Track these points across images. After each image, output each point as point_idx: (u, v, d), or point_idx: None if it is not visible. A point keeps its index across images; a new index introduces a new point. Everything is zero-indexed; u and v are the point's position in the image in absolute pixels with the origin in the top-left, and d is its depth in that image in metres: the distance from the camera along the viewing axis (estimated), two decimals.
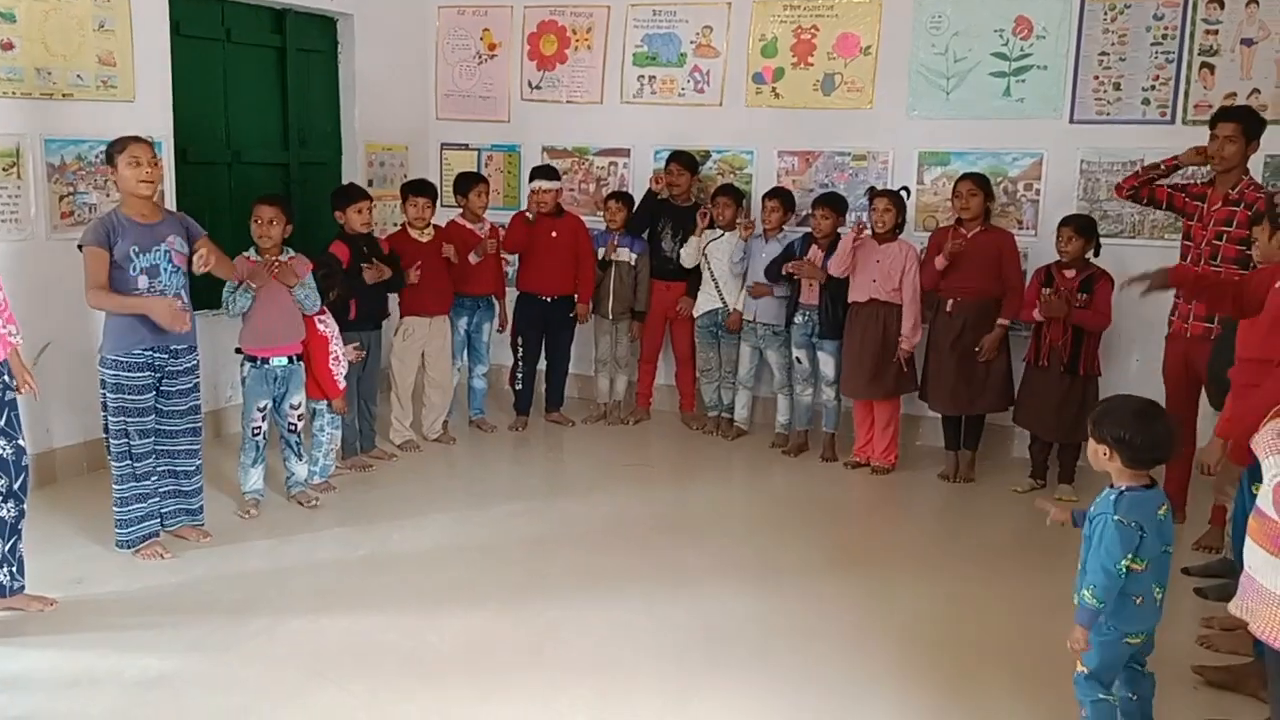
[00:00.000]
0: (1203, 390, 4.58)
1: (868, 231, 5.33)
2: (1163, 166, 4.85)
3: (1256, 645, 3.18)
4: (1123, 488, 2.67)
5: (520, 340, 6.16)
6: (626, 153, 6.61)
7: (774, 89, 6.20)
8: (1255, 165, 4.94)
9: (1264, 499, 2.06)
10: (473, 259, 5.73)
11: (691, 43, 6.37)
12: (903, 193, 5.47)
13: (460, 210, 5.96)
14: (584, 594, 3.97)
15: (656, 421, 6.43)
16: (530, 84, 6.82)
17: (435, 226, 5.68)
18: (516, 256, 6.15)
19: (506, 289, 6.18)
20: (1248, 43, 5.23)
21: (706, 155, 6.38)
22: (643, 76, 6.51)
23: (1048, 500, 2.93)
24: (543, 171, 6.13)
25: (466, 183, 5.96)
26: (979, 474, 5.47)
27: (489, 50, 6.90)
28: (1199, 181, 4.93)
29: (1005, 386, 5.34)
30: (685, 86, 6.42)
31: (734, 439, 6.09)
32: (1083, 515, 2.86)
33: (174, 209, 4.63)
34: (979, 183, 5.26)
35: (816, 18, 6.06)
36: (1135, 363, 5.40)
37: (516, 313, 6.16)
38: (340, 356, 4.86)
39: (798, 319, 5.68)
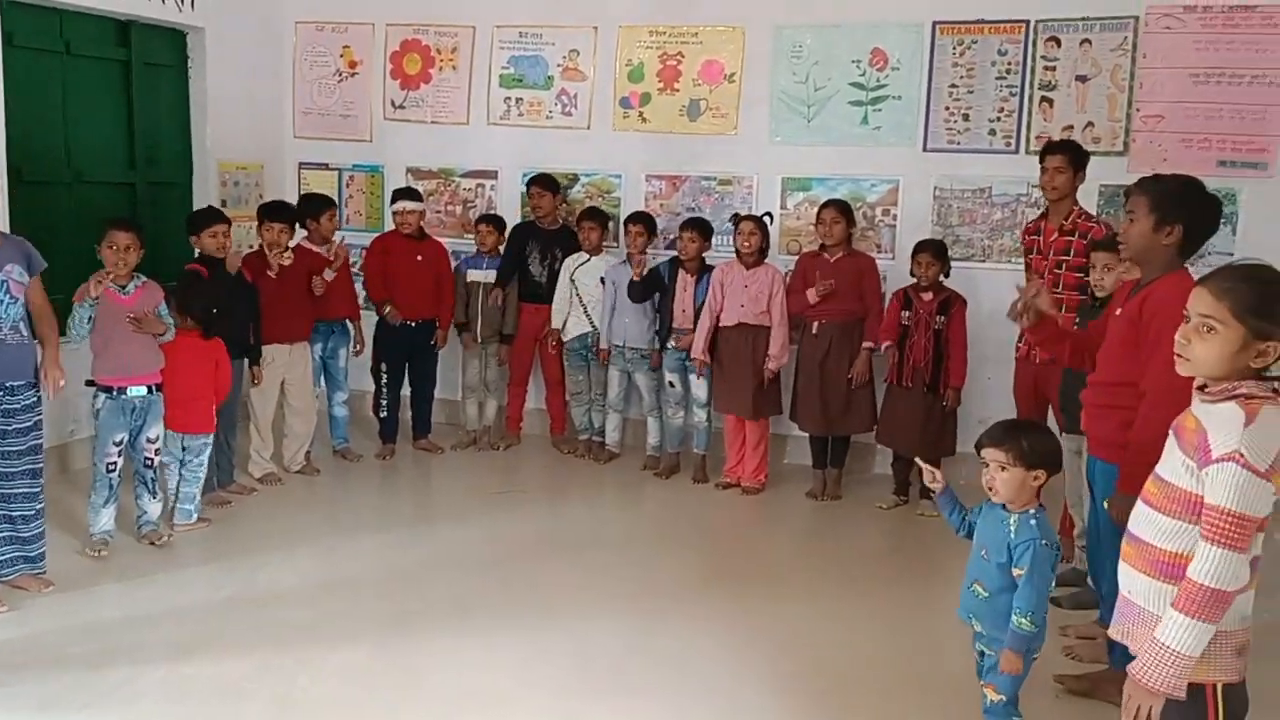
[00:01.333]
0: (1050, 412, 4.82)
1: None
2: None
3: (1112, 654, 3.37)
4: (1033, 510, 2.77)
5: (384, 366, 6.02)
6: (494, 175, 6.54)
7: (641, 113, 6.25)
8: (1090, 194, 5.25)
9: (1135, 524, 2.16)
10: (328, 275, 5.53)
11: (558, 66, 6.37)
12: (766, 218, 5.59)
13: (307, 234, 5.73)
14: (460, 625, 3.88)
15: (527, 446, 6.37)
16: (393, 103, 6.68)
17: (292, 249, 5.48)
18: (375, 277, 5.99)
19: (361, 311, 6.00)
20: (1082, 79, 5.56)
21: (575, 179, 6.38)
22: (509, 98, 6.47)
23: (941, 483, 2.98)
24: (405, 193, 6.03)
25: (314, 205, 5.76)
26: (844, 491, 5.61)
27: (349, 68, 6.72)
28: (1030, 220, 5.19)
29: (870, 406, 5.51)
30: (553, 109, 6.40)
31: (606, 462, 6.09)
32: (952, 506, 2.94)
33: (8, 232, 4.32)
34: (842, 210, 5.42)
35: (682, 44, 6.14)
36: (987, 380, 5.64)
37: (379, 338, 6.01)
38: None
39: (671, 343, 5.73)
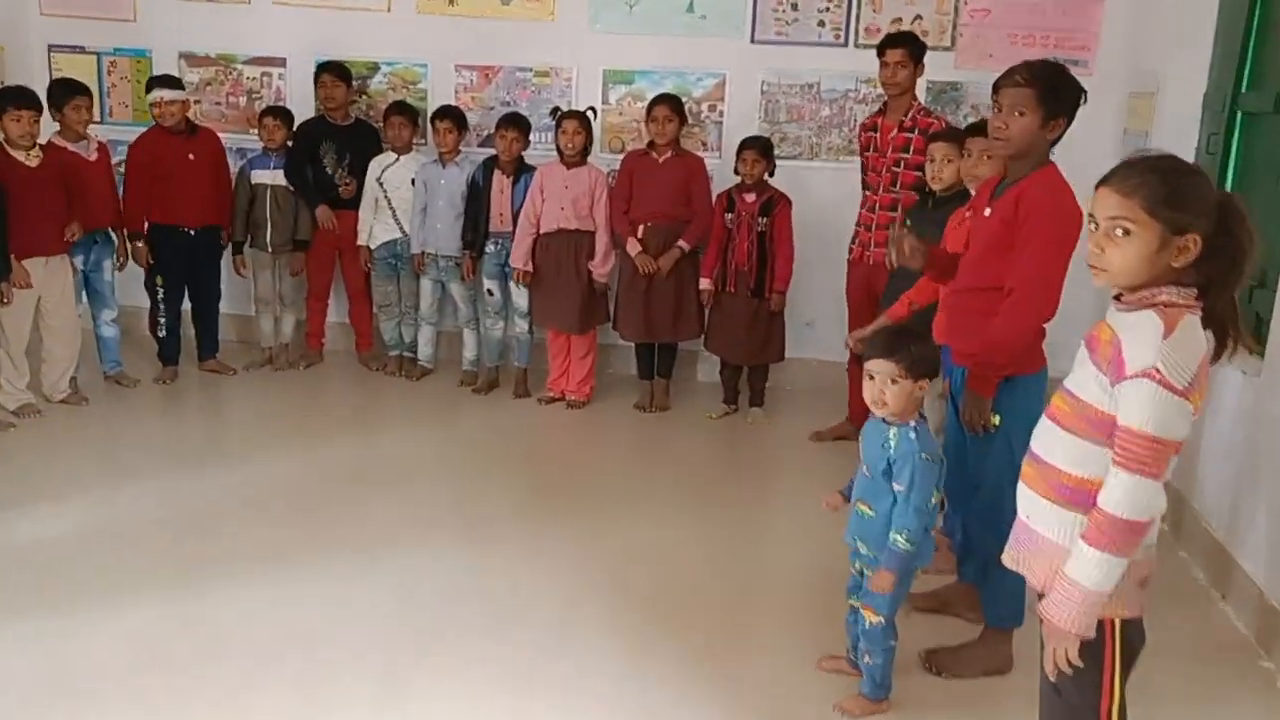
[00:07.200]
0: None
1: None
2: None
3: (961, 568, 3.28)
4: (913, 424, 2.59)
5: (159, 279, 5.34)
6: (282, 62, 5.83)
7: None
8: (918, 90, 5.11)
9: (1040, 443, 1.98)
10: (68, 236, 4.80)
11: None
12: (589, 113, 5.21)
13: (59, 129, 4.97)
14: (265, 572, 3.45)
15: (330, 364, 5.85)
16: None
17: (45, 145, 4.73)
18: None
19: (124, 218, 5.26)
20: None
21: (375, 68, 5.76)
22: None
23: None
24: (161, 80, 5.27)
25: (61, 93, 4.97)
26: (672, 401, 5.41)
27: None
28: (867, 116, 5.03)
29: (697, 313, 5.26)
30: None
31: (419, 379, 5.65)
32: (849, 487, 2.77)
33: None
34: (675, 107, 5.06)
35: None
36: (814, 282, 5.52)
37: (154, 248, 5.30)
38: None
39: (490, 248, 5.31)
